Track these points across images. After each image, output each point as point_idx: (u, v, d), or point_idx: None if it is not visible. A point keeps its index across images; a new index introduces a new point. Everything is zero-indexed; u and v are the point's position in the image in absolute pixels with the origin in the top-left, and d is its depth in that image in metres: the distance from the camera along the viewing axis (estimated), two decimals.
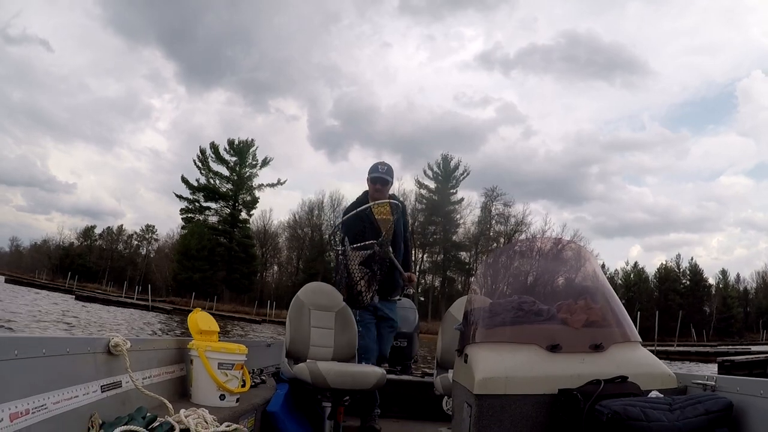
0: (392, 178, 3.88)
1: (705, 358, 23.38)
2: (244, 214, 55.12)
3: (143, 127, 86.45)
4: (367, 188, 3.91)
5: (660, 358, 1.95)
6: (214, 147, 54.11)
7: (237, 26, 77.77)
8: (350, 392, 3.05)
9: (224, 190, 53.88)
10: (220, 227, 53.26)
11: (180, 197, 54.32)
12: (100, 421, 1.72)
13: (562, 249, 2.52)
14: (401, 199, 4.08)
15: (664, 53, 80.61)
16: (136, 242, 68.42)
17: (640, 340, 1.97)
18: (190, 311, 2.85)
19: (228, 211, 54.10)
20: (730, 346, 31.51)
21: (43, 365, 1.56)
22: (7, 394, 1.39)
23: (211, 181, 53.88)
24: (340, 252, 3.61)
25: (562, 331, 1.88)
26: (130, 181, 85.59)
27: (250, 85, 76.40)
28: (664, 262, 58.80)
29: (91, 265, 63.30)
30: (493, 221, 54.02)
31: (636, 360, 1.85)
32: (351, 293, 3.50)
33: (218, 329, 2.77)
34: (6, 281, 41.35)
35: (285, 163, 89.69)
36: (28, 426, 1.44)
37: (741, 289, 59.78)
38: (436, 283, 54.92)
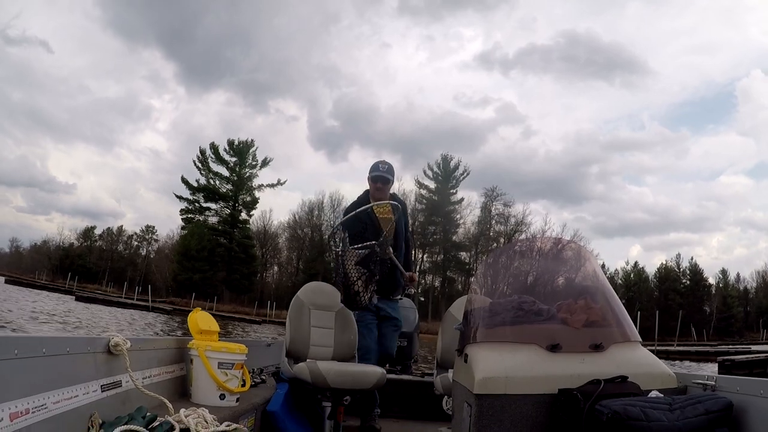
0: (393, 176, 3.87)
1: (705, 357, 23.39)
2: (244, 215, 55.21)
3: (143, 127, 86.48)
4: (367, 188, 3.91)
5: (660, 358, 1.95)
6: (214, 147, 54.16)
7: (236, 27, 77.83)
8: (350, 392, 3.05)
9: (224, 190, 53.90)
10: (220, 228, 53.26)
11: (180, 198, 54.46)
12: (100, 421, 1.72)
13: (562, 249, 2.52)
14: (401, 199, 4.07)
15: (663, 53, 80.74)
16: (136, 243, 68.47)
17: (640, 339, 1.97)
18: (190, 312, 2.85)
19: (228, 211, 54.11)
20: (730, 346, 31.49)
21: (43, 365, 1.56)
22: (7, 393, 1.39)
23: (211, 181, 53.93)
24: (337, 252, 3.58)
25: (562, 331, 1.88)
26: (130, 182, 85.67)
27: (249, 86, 76.50)
28: (664, 262, 58.88)
29: (91, 266, 63.28)
30: (493, 221, 54.10)
31: (636, 360, 1.85)
32: (348, 294, 3.45)
33: (218, 329, 2.77)
34: (6, 282, 41.39)
35: (285, 164, 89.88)
36: (28, 425, 1.44)
37: (741, 288, 59.76)
38: (436, 283, 54.95)
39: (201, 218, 53.98)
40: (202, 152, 53.97)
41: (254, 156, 54.77)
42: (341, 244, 3.55)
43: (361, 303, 3.47)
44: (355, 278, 3.42)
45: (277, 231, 58.82)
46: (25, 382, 1.47)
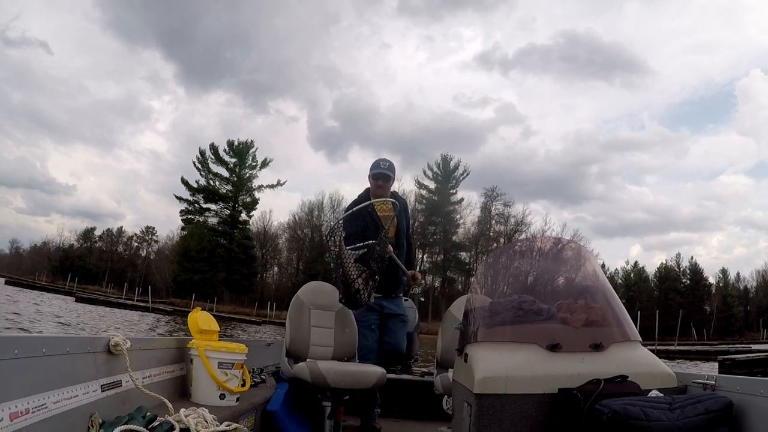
0: (394, 174, 3.84)
1: (706, 357, 23.38)
2: (244, 216, 55.22)
3: (143, 128, 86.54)
4: (368, 186, 3.89)
5: (661, 358, 1.95)
6: (213, 148, 54.17)
7: (236, 28, 77.96)
8: (350, 391, 3.04)
9: (224, 191, 53.90)
10: (220, 228, 53.26)
11: (180, 199, 54.45)
12: (100, 421, 1.72)
13: (562, 248, 2.52)
14: (402, 198, 4.05)
15: (663, 53, 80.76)
16: (136, 244, 68.53)
17: (640, 339, 1.97)
18: (190, 312, 2.85)
19: (228, 212, 54.12)
20: (730, 345, 31.49)
21: (44, 364, 1.56)
22: (8, 393, 1.39)
23: (211, 182, 53.91)
24: (335, 252, 3.50)
25: (562, 331, 1.88)
26: (129, 183, 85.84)
27: (249, 87, 76.57)
28: (664, 262, 58.97)
29: (91, 267, 63.30)
30: (493, 221, 54.14)
31: (636, 359, 1.85)
32: (348, 292, 3.40)
33: (218, 329, 2.77)
34: (6, 283, 41.38)
35: (285, 164, 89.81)
36: (28, 425, 1.44)
37: (741, 287, 59.82)
38: (436, 284, 54.93)
39: (201, 219, 53.99)
40: (202, 153, 54.07)
41: (254, 157, 54.89)
42: (339, 244, 3.48)
43: (361, 301, 3.41)
44: (354, 276, 3.36)
45: (277, 232, 58.94)
46: (25, 382, 1.47)
